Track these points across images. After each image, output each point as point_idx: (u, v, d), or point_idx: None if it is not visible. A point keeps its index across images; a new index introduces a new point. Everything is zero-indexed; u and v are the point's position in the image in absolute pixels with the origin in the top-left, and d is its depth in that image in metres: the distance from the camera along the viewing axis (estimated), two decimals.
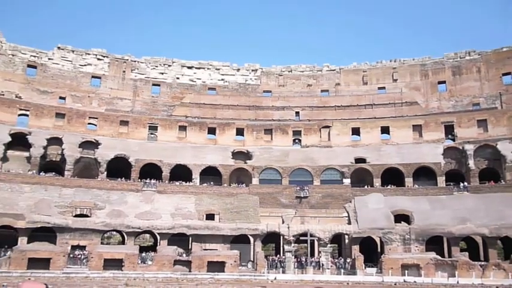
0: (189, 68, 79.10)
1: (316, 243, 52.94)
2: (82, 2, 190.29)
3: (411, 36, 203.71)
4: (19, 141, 59.63)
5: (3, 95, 65.20)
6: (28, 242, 44.93)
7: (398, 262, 43.97)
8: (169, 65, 78.57)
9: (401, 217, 54.33)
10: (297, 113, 75.39)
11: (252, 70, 79.90)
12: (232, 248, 50.34)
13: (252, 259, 50.36)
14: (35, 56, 71.43)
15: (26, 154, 59.98)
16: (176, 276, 40.93)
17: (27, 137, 60.14)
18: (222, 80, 78.76)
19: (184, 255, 46.44)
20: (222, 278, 41.11)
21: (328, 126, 70.99)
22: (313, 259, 48.21)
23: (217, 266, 43.27)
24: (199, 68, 79.28)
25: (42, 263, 40.34)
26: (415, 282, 40.44)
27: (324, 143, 69.92)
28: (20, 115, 63.71)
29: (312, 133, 71.14)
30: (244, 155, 68.35)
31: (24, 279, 35.74)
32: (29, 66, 70.30)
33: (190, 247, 52.04)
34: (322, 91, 77.72)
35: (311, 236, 49.39)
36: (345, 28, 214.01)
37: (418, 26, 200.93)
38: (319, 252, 51.00)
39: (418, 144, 66.20)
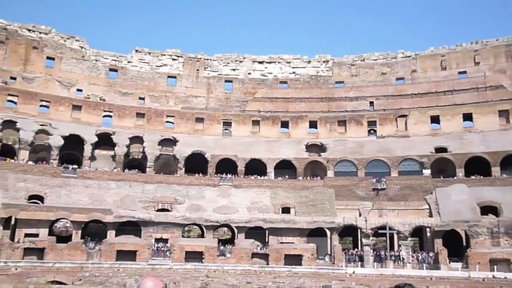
0: (260, 63, 79.64)
1: (395, 236, 51.31)
2: (155, 5, 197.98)
3: (492, 16, 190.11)
4: (104, 141, 63.58)
5: (89, 98, 69.74)
6: (116, 235, 47.78)
7: (486, 257, 41.49)
8: (240, 61, 79.63)
9: (489, 209, 51.02)
10: (371, 103, 73.23)
11: (323, 61, 78.79)
12: (308, 241, 50.22)
13: (329, 252, 49.92)
14: (115, 60, 75.62)
15: (111, 153, 63.84)
16: (254, 268, 41.61)
17: (112, 136, 63.98)
18: (293, 73, 78.44)
19: (261, 248, 47.07)
20: (300, 271, 41.17)
21: (404, 116, 68.34)
22: (392, 253, 46.82)
23: (294, 259, 43.40)
24: (270, 63, 79.57)
25: (129, 255, 42.81)
26: (505, 278, 37.91)
27: (401, 133, 67.44)
28: (104, 116, 67.97)
29: (388, 123, 68.90)
30: (318, 148, 67.76)
31: (113, 270, 38.16)
32: (110, 70, 74.60)
33: (266, 240, 52.62)
34: (397, 79, 74.83)
35: (390, 229, 47.95)
36: (418, 12, 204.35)
37: (499, 4, 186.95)
38: (399, 246, 49.37)
39: (505, 130, 61.77)
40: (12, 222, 45.21)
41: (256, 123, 71.44)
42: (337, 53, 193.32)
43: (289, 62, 79.28)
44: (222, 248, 46.97)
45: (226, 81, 77.91)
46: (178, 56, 78.50)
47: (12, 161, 55.52)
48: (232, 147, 65.83)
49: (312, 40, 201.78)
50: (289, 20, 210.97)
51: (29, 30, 71.59)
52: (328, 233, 52.93)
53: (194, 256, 43.99)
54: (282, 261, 43.41)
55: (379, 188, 57.81)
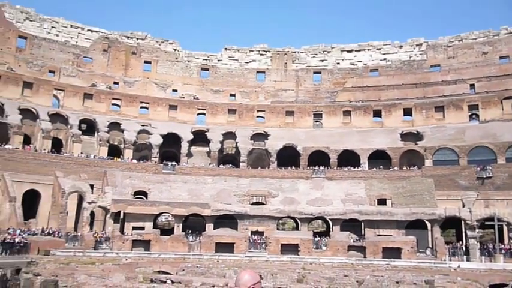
0: (349, 51, 77.79)
1: (505, 228, 47.42)
2: (241, 2, 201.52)
3: None
4: (199, 137, 66.31)
5: (183, 97, 73.10)
6: (214, 228, 49.63)
7: None
8: (328, 52, 78.43)
9: None
10: (472, 86, 68.15)
11: (416, 45, 74.90)
12: (407, 233, 48.20)
13: (430, 245, 47.52)
14: (206, 59, 78.38)
15: (206, 149, 66.40)
16: (351, 261, 40.90)
17: (206, 133, 66.53)
18: (384, 59, 75.55)
19: (357, 240, 46.13)
20: (399, 264, 39.69)
21: (511, 97, 62.75)
22: (503, 246, 43.34)
23: (392, 252, 41.96)
24: (359, 51, 77.41)
25: (227, 247, 44.26)
26: None
27: (508, 116, 62.06)
28: (198, 114, 70.92)
29: (492, 106, 63.78)
30: (414, 136, 64.69)
31: (213, 261, 39.70)
32: (202, 69, 77.49)
33: (362, 233, 51.43)
34: (500, 58, 68.78)
35: (499, 220, 44.42)
36: None
37: None
38: (510, 238, 45.58)
39: None
40: (121, 216, 48.88)
41: (347, 113, 70.02)
42: (431, 35, 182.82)
43: (380, 49, 76.50)
44: (317, 240, 46.78)
45: (314, 72, 77.20)
46: (266, 51, 79.29)
47: (119, 159, 59.97)
48: (323, 139, 65.16)
49: (403, 24, 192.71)
50: (377, 5, 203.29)
51: (128, 37, 76.65)
52: (429, 225, 50.32)
53: (290, 248, 44.31)
54: (379, 254, 42.19)
55: (485, 176, 53.83)
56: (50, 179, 50.27)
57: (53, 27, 71.76)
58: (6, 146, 53.71)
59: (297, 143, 64.56)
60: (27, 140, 58.73)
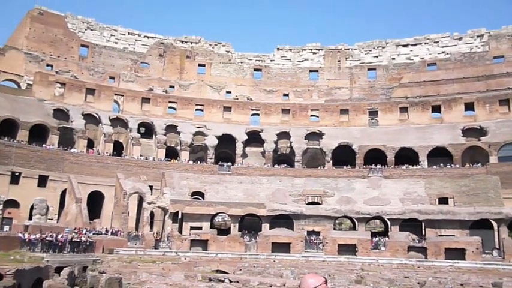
0: (404, 46, 75.50)
1: None
2: (293, 1, 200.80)
3: None
4: (254, 138, 66.74)
5: (237, 99, 73.91)
6: (270, 228, 49.72)
7: None
8: (383, 47, 76.52)
9: None
10: None
11: (477, 36, 71.43)
12: (471, 234, 45.99)
13: (497, 246, 45.11)
14: (259, 60, 78.85)
15: (261, 149, 66.70)
16: (411, 262, 39.67)
17: (260, 134, 66.85)
18: (443, 52, 72.66)
19: (418, 241, 44.64)
20: (463, 266, 38.04)
21: None
22: None
23: (455, 253, 40.25)
24: (415, 45, 74.93)
25: (283, 247, 44.19)
26: None
27: None
28: (252, 115, 71.41)
29: None
30: (477, 132, 61.69)
31: (270, 261, 39.83)
32: (255, 70, 78.05)
33: (423, 233, 49.65)
34: None
35: None
36: None
37: None
38: None
39: None
40: (179, 216, 50.11)
41: (404, 110, 67.90)
42: (492, 25, 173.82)
43: (437, 42, 73.67)
44: (375, 240, 45.72)
45: (369, 69, 75.61)
46: (319, 49, 78.59)
47: (176, 161, 61.55)
48: (380, 137, 63.62)
49: (462, 15, 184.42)
50: None
51: (182, 42, 78.59)
52: (495, 224, 47.80)
53: (347, 249, 43.60)
54: (442, 255, 40.57)
55: None
56: (112, 181, 52.46)
57: (112, 35, 74.91)
58: (72, 150, 56.59)
59: (352, 142, 63.43)
60: (90, 144, 61.61)
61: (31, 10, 68.69)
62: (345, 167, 61.12)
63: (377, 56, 76.06)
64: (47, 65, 67.22)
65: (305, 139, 66.17)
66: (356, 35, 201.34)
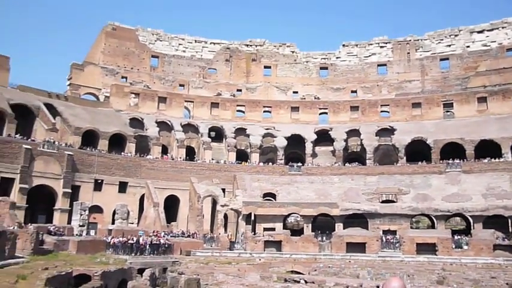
0: (479, 32, 71.20)
1: None
2: None
3: None
4: (323, 137, 66.01)
5: (304, 98, 73.56)
6: (343, 228, 48.91)
7: None
8: (455, 35, 72.72)
9: None
10: None
11: None
12: None
13: None
14: (324, 58, 78.00)
15: (330, 148, 65.84)
16: (498, 262, 37.25)
17: (329, 132, 66.00)
18: None
19: (504, 239, 41.84)
20: None
21: None
22: None
23: None
24: (491, 30, 70.42)
25: (358, 247, 43.27)
26: None
27: None
28: (320, 114, 70.69)
29: None
30: None
31: (345, 261, 39.15)
32: (321, 68, 77.31)
33: (510, 230, 46.45)
34: None
35: None
36: None
37: None
38: None
39: None
40: (252, 217, 50.70)
41: (482, 100, 63.97)
42: None
43: None
44: (456, 239, 43.45)
45: (441, 59, 72.16)
46: (386, 43, 76.29)
47: (247, 163, 62.37)
48: (456, 130, 60.42)
49: None
50: None
51: (247, 45, 79.64)
52: None
53: (426, 248, 41.83)
54: None
55: None
56: (186, 185, 54.18)
57: (180, 44, 77.60)
58: (148, 157, 59.20)
59: (427, 136, 60.80)
60: (164, 150, 64.08)
61: (105, 26, 72.88)
62: (420, 162, 58.69)
63: (450, 45, 72.39)
64: (122, 77, 70.95)
65: (376, 136, 64.39)
66: (425, 25, 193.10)
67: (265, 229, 48.19)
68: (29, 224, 36.34)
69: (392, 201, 52.46)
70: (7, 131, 48.61)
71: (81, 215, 41.15)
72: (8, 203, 35.01)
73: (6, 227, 26.27)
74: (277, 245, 44.44)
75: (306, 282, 25.78)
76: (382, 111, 68.99)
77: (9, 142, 45.90)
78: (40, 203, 48.59)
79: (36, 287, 14.87)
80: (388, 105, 68.82)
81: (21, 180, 44.83)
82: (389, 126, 64.81)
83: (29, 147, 46.40)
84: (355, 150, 65.89)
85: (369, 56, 76.31)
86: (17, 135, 48.76)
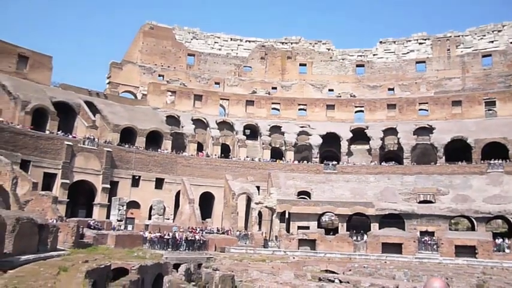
0: None
1: None
2: None
3: None
4: (359, 135, 65.14)
5: (340, 96, 72.78)
6: (379, 228, 48.12)
7: None
8: (499, 31, 70.15)
9: None
10: None
11: None
12: None
13: None
14: (361, 56, 76.86)
15: (366, 147, 64.89)
16: None
17: (365, 131, 65.04)
18: None
19: None
20: None
21: None
22: None
23: None
24: None
25: (394, 248, 42.49)
26: None
27: None
28: (356, 112, 69.76)
29: None
30: None
31: (381, 262, 38.53)
32: (357, 66, 76.26)
33: None
34: None
35: None
36: None
37: None
38: None
39: None
40: (286, 216, 50.61)
41: None
42: None
43: None
44: (498, 242, 41.95)
45: (483, 56, 69.80)
46: (425, 39, 74.47)
47: (281, 161, 62.29)
48: (499, 129, 58.32)
49: None
50: None
51: (282, 43, 79.45)
52: None
53: (465, 250, 40.62)
54: None
55: None
56: (221, 182, 54.64)
57: (215, 42, 78.27)
58: (184, 154, 60.02)
59: (467, 135, 58.99)
60: (200, 147, 64.83)
61: (143, 25, 74.33)
62: (459, 162, 57.00)
63: (492, 41, 69.92)
64: (159, 76, 72.23)
65: (414, 134, 62.98)
66: (466, 21, 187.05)
67: (299, 227, 48.02)
68: (70, 218, 37.54)
69: (431, 202, 51.22)
70: (50, 127, 50.33)
71: (119, 210, 42.20)
72: (50, 197, 36.27)
73: (49, 221, 27.24)
74: (312, 243, 44.21)
75: (340, 281, 25.53)
76: (420, 110, 67.41)
77: (51, 139, 47.54)
78: (80, 197, 50.18)
79: (77, 279, 15.35)
80: (426, 103, 67.17)
81: (63, 175, 46.38)
82: (428, 124, 63.26)
83: (70, 143, 47.92)
84: (391, 149, 64.67)
85: (407, 52, 74.69)
86: (59, 132, 50.44)
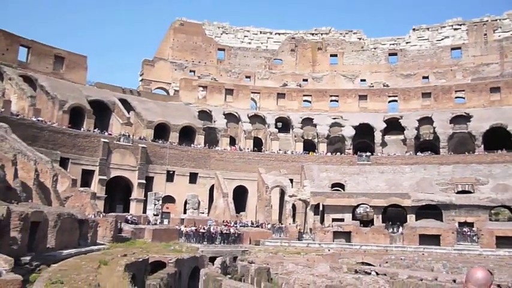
0: None
1: None
2: None
3: None
4: (393, 125, 63.92)
5: (372, 86, 71.57)
6: (415, 219, 47.24)
7: None
8: None
9: None
10: None
11: None
12: None
13: None
14: (393, 44, 75.26)
15: (401, 137, 63.65)
16: None
17: (400, 120, 63.77)
18: None
19: None
20: None
21: None
22: None
23: None
24: None
25: (432, 239, 41.65)
26: None
27: None
28: (389, 102, 68.45)
29: None
30: None
31: (418, 254, 37.82)
32: (389, 54, 74.74)
33: None
34: None
35: None
36: None
37: None
38: None
39: None
40: (320, 208, 50.35)
41: None
42: None
43: None
44: None
45: None
46: (461, 24, 72.20)
47: (314, 153, 61.91)
48: None
49: None
50: None
51: (312, 34, 78.70)
52: None
53: (507, 242, 39.41)
54: None
55: None
56: (254, 176, 54.81)
57: (245, 36, 78.29)
58: (217, 148, 60.50)
59: (507, 123, 56.99)
60: (232, 141, 65.17)
61: (173, 22, 75.12)
62: (499, 151, 55.15)
63: None
64: (190, 71, 72.92)
65: (450, 123, 61.32)
66: (504, 3, 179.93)
67: (333, 220, 47.73)
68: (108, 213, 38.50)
69: (469, 192, 49.84)
70: (86, 125, 51.68)
71: (155, 204, 42.94)
72: (89, 193, 37.31)
73: (88, 216, 28.03)
74: (347, 235, 43.87)
75: (377, 274, 25.21)
76: (456, 97, 65.52)
77: (88, 136, 48.83)
78: (117, 193, 51.40)
79: (117, 272, 15.75)
80: (463, 90, 65.21)
81: (100, 171, 47.60)
82: (465, 113, 61.46)
83: (106, 140, 49.10)
84: (427, 138, 63.22)
85: (442, 39, 72.63)
86: (95, 130, 51.74)
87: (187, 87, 67.98)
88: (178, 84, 69.14)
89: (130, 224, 36.83)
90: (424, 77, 71.37)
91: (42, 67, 54.70)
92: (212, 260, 32.12)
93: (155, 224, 40.87)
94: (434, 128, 61.47)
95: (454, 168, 53.76)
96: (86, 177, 46.73)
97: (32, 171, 30.10)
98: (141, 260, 22.90)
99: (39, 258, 16.17)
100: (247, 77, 74.91)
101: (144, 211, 47.23)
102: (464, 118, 61.07)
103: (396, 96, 68.04)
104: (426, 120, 62.90)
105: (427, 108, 64.80)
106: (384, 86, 71.21)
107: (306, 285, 18.83)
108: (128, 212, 45.78)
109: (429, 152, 60.55)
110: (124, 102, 58.74)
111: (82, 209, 32.53)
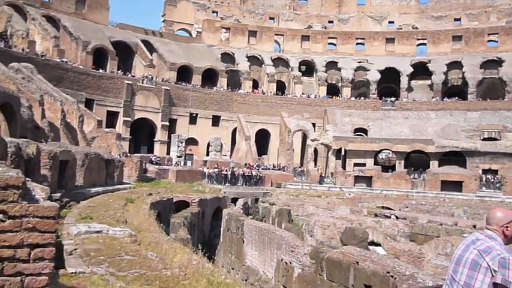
0: None
1: None
2: None
3: None
4: (420, 70, 62.15)
5: (401, 29, 68.98)
6: (438, 166, 46.97)
7: None
8: None
9: None
10: None
11: None
12: None
13: None
14: None
15: (428, 82, 62.03)
16: None
17: (428, 65, 61.88)
18: None
19: None
20: None
21: None
22: None
23: None
24: None
25: (454, 186, 41.58)
26: None
27: None
28: (418, 45, 66.11)
29: None
30: None
31: (439, 200, 37.96)
32: None
33: None
34: None
35: None
36: None
37: None
38: None
39: None
40: (342, 153, 50.39)
41: None
42: None
43: None
44: None
45: None
46: None
47: (338, 98, 61.13)
48: None
49: None
50: None
51: None
52: None
53: None
54: None
55: None
56: (277, 119, 54.74)
57: None
58: (239, 91, 60.23)
59: None
60: (255, 85, 64.67)
61: None
62: None
63: None
64: (213, 12, 71.27)
65: (480, 68, 59.23)
66: None
67: (355, 164, 47.86)
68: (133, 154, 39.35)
69: (496, 139, 48.96)
70: (110, 67, 51.81)
71: (178, 146, 43.61)
72: (114, 134, 38.05)
73: (114, 156, 28.73)
74: (368, 180, 44.10)
75: (397, 218, 25.47)
76: (489, 41, 62.75)
77: (112, 78, 49.09)
78: (142, 134, 52.30)
79: (143, 210, 16.31)
80: (497, 33, 62.30)
81: (125, 113, 48.23)
82: (497, 57, 59.09)
83: (130, 82, 49.33)
84: (455, 84, 61.45)
85: None
86: (119, 71, 51.88)
87: (210, 28, 66.77)
88: (200, 26, 67.91)
89: (155, 165, 37.71)
90: (455, 19, 68.28)
91: (65, 7, 54.24)
92: (234, 201, 32.93)
93: (178, 165, 41.72)
94: (463, 72, 59.57)
95: (481, 115, 52.55)
96: (111, 119, 47.47)
97: (59, 112, 30.70)
98: (165, 199, 23.61)
99: (69, 195, 16.82)
100: (271, 18, 72.94)
101: (168, 152, 48.14)
102: (496, 63, 58.83)
103: (425, 39, 65.57)
104: (455, 65, 60.83)
105: (457, 52, 62.47)
106: (412, 28, 68.56)
107: (326, 227, 19.19)
108: (152, 153, 46.74)
109: (456, 97, 59.05)
110: (146, 43, 58.30)
111: (108, 149, 33.31)
